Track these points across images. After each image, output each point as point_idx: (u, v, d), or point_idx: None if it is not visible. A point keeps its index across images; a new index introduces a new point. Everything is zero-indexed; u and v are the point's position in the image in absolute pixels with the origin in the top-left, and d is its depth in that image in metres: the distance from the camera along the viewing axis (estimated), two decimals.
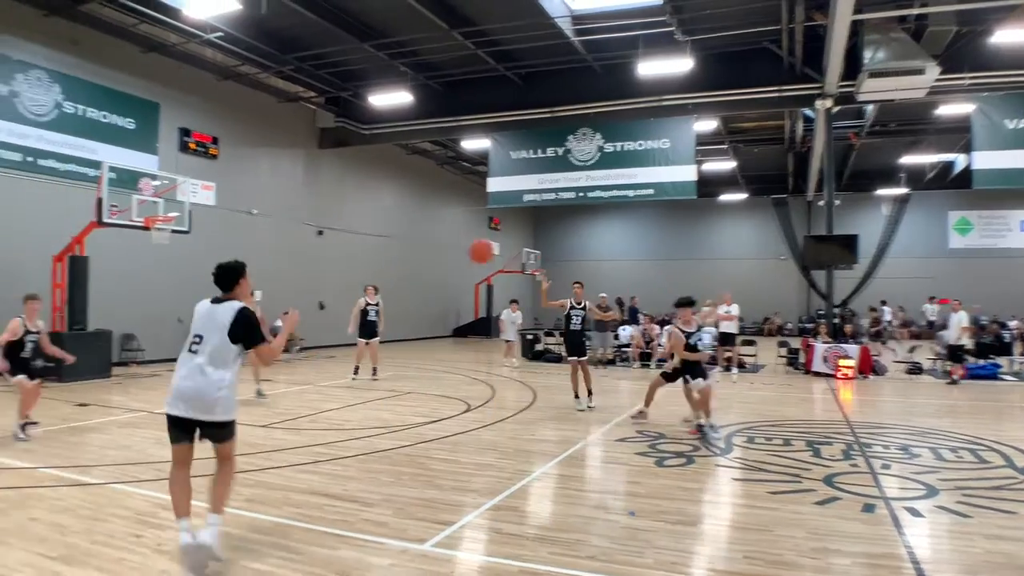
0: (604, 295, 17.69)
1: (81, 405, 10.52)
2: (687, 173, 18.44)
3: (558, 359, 18.92)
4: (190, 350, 4.45)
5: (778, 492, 6.10)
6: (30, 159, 14.63)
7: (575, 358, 10.80)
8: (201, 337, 4.45)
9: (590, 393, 10.74)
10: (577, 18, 15.90)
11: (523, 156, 20.37)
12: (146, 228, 14.15)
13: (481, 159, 26.04)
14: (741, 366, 16.11)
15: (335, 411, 10.38)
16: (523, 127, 20.32)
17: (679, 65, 15.91)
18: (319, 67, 18.83)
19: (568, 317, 10.98)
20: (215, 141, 19.05)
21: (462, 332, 30.21)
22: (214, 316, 4.47)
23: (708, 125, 21.50)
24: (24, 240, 14.33)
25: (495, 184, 21.01)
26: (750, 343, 17.79)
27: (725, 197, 32.42)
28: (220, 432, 4.43)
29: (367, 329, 14.18)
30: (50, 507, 5.45)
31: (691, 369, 8.81)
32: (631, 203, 24.92)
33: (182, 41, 16.62)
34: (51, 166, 15.03)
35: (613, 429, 9.16)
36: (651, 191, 18.93)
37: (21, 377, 8.06)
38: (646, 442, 8.25)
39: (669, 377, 9.18)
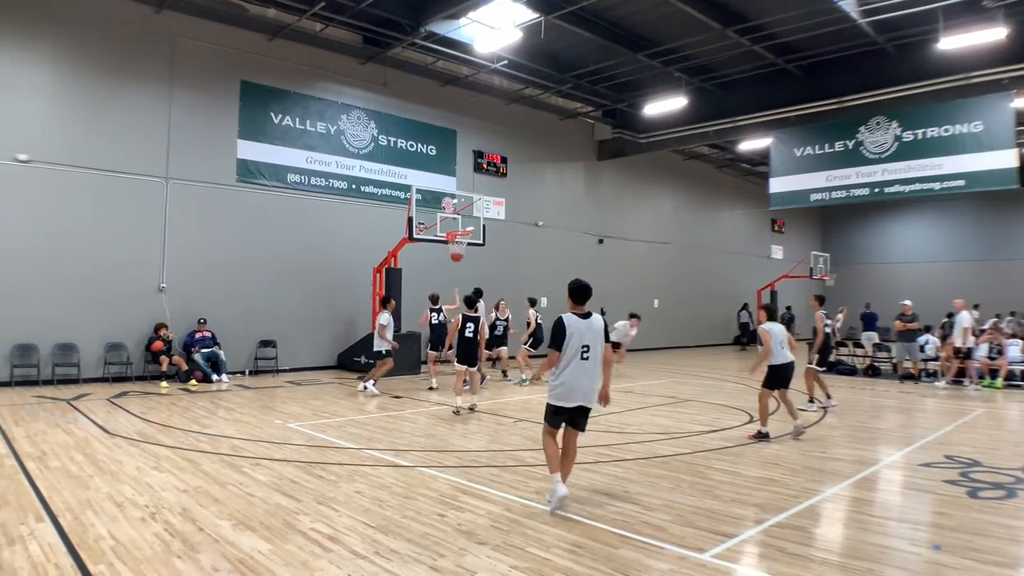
0: (907, 302, 15.89)
1: (395, 397, 11.99)
2: (1005, 159, 15.69)
3: (851, 371, 17.41)
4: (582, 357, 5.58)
5: None
6: (354, 186, 17.16)
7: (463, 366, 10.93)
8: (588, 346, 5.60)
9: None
10: None
11: (808, 152, 19.03)
12: (448, 242, 15.75)
13: (761, 159, 24.89)
14: None
15: (615, 415, 10.57)
16: (807, 122, 18.98)
17: (990, 35, 13.72)
18: (595, 82, 19.43)
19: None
20: (504, 160, 20.63)
21: (743, 340, 28.98)
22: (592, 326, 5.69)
23: None
24: (350, 254, 16.79)
25: (778, 184, 19.89)
26: None
27: None
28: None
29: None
30: (371, 483, 6.31)
31: None
32: (937, 197, 22.04)
33: (473, 72, 18.34)
34: (370, 191, 17.46)
35: (916, 452, 8.18)
36: (961, 182, 16.47)
37: None
38: (957, 469, 7.23)
39: None
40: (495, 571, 4.31)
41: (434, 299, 14.86)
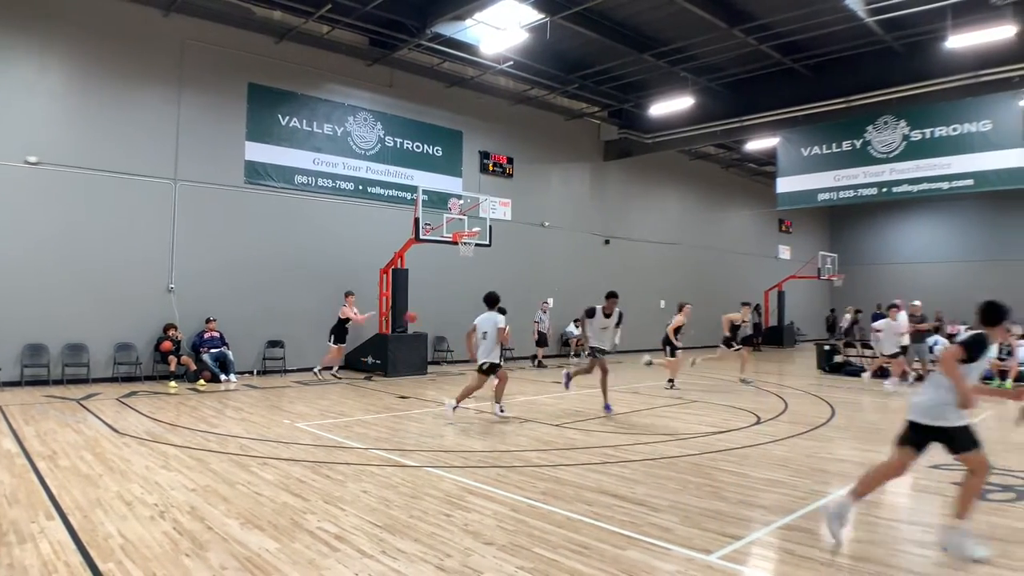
0: (916, 303, 15.83)
1: (402, 397, 12.03)
2: (1015, 158, 15.64)
3: (859, 372, 17.31)
4: None
5: None
6: (361, 187, 17.22)
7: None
8: None
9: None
10: None
11: (815, 152, 19.00)
12: (454, 243, 15.79)
13: (768, 159, 24.82)
14: None
15: (623, 415, 10.57)
16: (814, 121, 18.95)
17: (999, 33, 13.68)
18: (601, 83, 19.44)
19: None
20: (510, 161, 20.65)
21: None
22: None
23: None
24: (357, 255, 16.82)
25: (785, 184, 19.87)
26: None
27: None
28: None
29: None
30: (377, 483, 6.33)
31: None
32: (945, 197, 21.98)
33: (479, 73, 18.38)
34: (377, 192, 17.52)
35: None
36: (970, 181, 16.41)
37: None
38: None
39: None
40: (501, 571, 4.31)
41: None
